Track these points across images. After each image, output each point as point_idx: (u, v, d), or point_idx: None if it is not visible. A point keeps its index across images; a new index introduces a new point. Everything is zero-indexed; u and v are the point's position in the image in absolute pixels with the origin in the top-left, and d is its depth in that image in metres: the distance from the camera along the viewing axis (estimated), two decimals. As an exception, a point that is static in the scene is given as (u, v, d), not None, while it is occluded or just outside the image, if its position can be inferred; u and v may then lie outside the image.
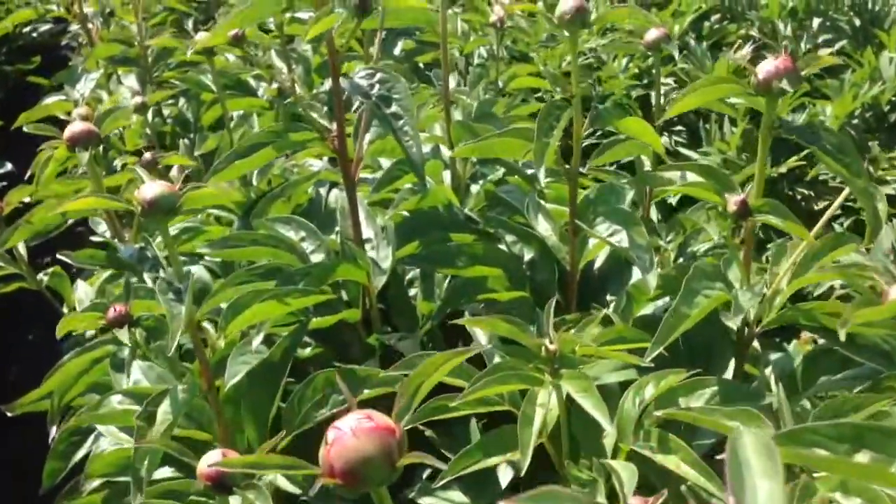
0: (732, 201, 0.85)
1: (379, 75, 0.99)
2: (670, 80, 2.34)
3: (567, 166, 1.02)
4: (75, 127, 1.14)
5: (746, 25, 2.53)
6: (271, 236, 1.14)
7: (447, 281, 1.06)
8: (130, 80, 2.00)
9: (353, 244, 1.11)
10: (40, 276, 1.50)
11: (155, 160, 1.22)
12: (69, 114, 1.83)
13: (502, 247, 1.08)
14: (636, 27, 2.56)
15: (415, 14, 1.15)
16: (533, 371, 0.76)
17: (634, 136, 0.99)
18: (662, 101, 2.32)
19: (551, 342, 0.75)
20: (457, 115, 1.31)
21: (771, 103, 0.84)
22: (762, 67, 0.82)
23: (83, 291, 1.58)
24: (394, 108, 0.98)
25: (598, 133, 2.03)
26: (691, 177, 0.91)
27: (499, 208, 1.19)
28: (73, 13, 1.88)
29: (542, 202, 1.10)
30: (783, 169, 1.89)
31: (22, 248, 1.47)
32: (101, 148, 1.68)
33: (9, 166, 2.23)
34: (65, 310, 1.52)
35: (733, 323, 0.83)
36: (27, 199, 1.29)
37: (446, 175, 1.31)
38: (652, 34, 1.24)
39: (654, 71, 2.04)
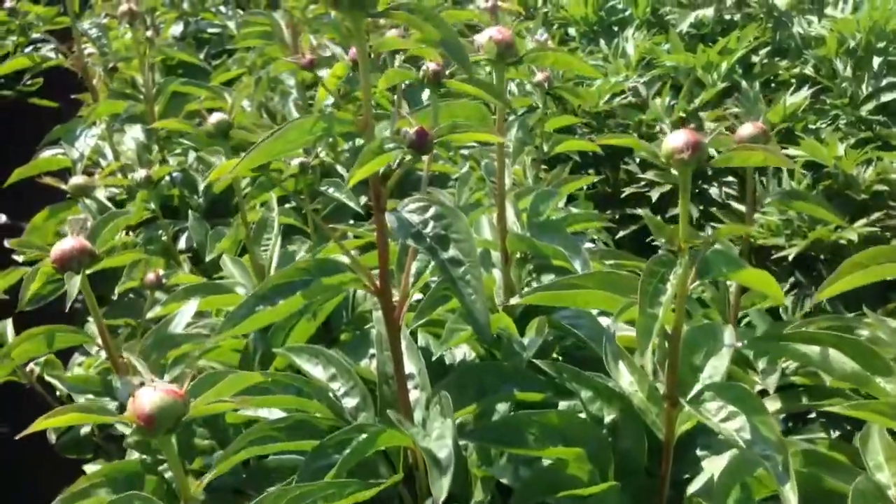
0: None
1: (433, 209, 0.79)
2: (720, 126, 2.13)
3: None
4: (65, 245, 0.94)
5: (800, 64, 2.31)
6: (296, 378, 0.94)
7: (514, 466, 0.85)
8: (135, 131, 1.80)
9: (398, 408, 0.90)
10: (31, 365, 1.31)
11: (159, 280, 1.02)
12: (71, 168, 1.64)
13: (581, 413, 0.87)
14: (679, 64, 2.35)
15: (468, 111, 0.94)
16: None
17: (752, 286, 0.79)
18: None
19: None
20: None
21: None
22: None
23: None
24: (452, 251, 0.77)
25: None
26: (836, 357, 0.71)
27: (566, 342, 0.99)
28: (74, 63, 1.67)
29: (624, 348, 0.90)
30: None
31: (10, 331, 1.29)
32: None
33: (2, 218, 2.03)
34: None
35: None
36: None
37: (497, 284, 1.10)
38: (747, 130, 1.02)
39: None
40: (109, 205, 1.48)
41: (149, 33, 1.66)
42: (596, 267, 1.06)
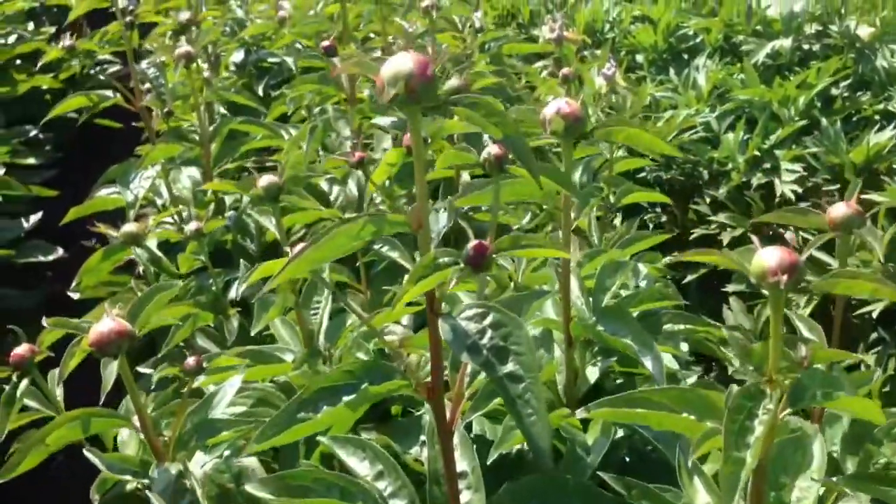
0: None
1: (492, 317, 0.71)
2: (797, 167, 2.01)
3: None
4: (103, 328, 0.89)
5: (884, 100, 2.17)
6: (340, 477, 0.87)
7: None
8: (191, 170, 1.75)
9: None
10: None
11: (200, 365, 0.96)
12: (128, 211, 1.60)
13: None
14: (754, 97, 2.23)
15: (531, 189, 0.86)
16: None
17: (852, 414, 0.70)
18: (786, 190, 2.00)
19: None
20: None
21: None
22: None
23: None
24: (511, 365, 0.69)
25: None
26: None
27: (635, 437, 0.90)
28: (135, 104, 1.63)
29: (700, 465, 0.81)
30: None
31: (59, 392, 1.25)
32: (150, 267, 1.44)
33: (59, 251, 2.01)
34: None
35: None
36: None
37: (559, 372, 1.02)
38: (840, 211, 0.92)
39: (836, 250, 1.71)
40: (159, 254, 1.43)
41: (206, 74, 1.62)
42: (665, 351, 0.97)
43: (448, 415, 0.79)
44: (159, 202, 1.78)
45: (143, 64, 1.61)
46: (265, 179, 1.09)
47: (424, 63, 0.66)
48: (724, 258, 0.66)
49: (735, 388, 0.69)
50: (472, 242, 0.67)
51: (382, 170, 0.76)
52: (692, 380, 1.11)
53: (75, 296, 1.74)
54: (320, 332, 1.17)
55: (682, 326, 1.35)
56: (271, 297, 1.12)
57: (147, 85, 1.70)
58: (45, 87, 2.45)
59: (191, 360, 0.95)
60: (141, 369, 1.52)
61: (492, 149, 0.80)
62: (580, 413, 0.74)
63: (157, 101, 1.56)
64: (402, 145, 0.95)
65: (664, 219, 2.20)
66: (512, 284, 1.19)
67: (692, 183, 2.21)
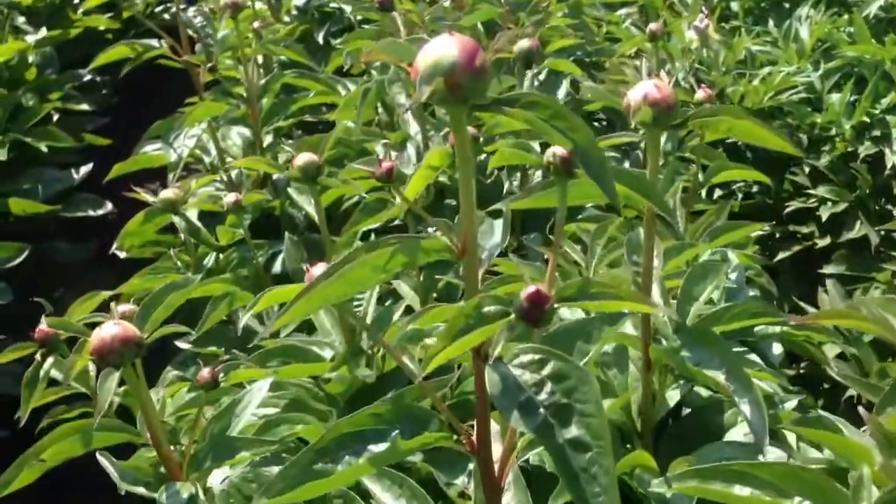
0: None
1: (552, 366, 0.56)
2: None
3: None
4: (105, 333, 0.77)
5: None
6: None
7: None
8: (241, 127, 1.63)
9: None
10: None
11: (215, 379, 0.83)
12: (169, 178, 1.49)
13: None
14: (864, 55, 2.00)
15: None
16: None
17: None
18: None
19: None
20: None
21: None
22: None
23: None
24: (576, 429, 0.55)
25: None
26: None
27: None
28: (181, 55, 1.51)
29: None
30: None
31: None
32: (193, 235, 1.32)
33: (108, 206, 1.92)
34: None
35: None
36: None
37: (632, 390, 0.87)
38: None
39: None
40: (198, 224, 1.32)
41: (256, 24, 1.48)
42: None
43: (497, 470, 0.65)
44: (207, 160, 1.66)
45: (191, 11, 1.49)
46: (302, 158, 0.95)
47: (472, 50, 0.51)
48: (862, 320, 0.50)
49: (866, 472, 0.54)
50: (527, 290, 0.52)
51: (421, 176, 0.62)
52: (791, 404, 0.96)
53: (121, 254, 1.65)
54: (363, 329, 1.05)
55: (777, 329, 1.19)
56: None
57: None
58: (102, 27, 2.35)
59: (205, 372, 0.83)
60: (179, 343, 1.42)
61: (558, 149, 0.64)
62: (656, 484, 0.60)
63: (202, 54, 1.43)
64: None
65: (755, 188, 2.00)
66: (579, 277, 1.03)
67: (790, 150, 2.00)
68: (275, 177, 1.60)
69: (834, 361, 1.38)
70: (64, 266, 1.94)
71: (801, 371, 1.60)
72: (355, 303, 1.07)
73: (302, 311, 0.52)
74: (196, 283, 1.29)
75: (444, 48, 0.50)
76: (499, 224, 0.67)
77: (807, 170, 1.94)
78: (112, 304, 0.83)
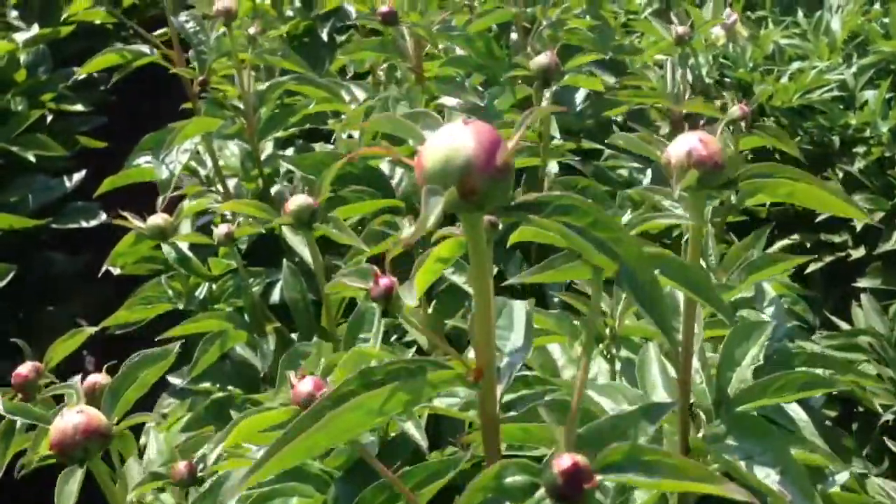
0: None
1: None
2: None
3: None
4: (67, 423, 0.67)
5: None
6: None
7: None
8: (233, 149, 1.52)
9: None
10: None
11: (193, 474, 0.73)
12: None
13: None
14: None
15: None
16: None
17: None
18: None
19: None
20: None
21: None
22: None
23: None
24: None
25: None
26: None
27: None
28: (174, 63, 1.39)
29: None
30: None
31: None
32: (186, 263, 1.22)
33: (103, 216, 1.81)
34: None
35: None
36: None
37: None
38: None
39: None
40: (189, 253, 1.21)
41: (252, 30, 1.36)
42: None
43: None
44: (203, 172, 1.55)
45: (183, 16, 1.37)
46: (295, 201, 0.84)
47: (492, 144, 0.39)
48: None
49: None
50: (561, 461, 0.41)
51: (428, 270, 0.51)
52: (843, 477, 0.85)
53: (115, 270, 1.55)
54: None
55: (821, 372, 1.09)
56: (305, 348, 0.88)
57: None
58: (98, 21, 2.23)
59: (181, 467, 0.72)
60: (171, 378, 1.32)
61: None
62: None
63: (194, 62, 1.31)
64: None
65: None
66: (608, 332, 0.93)
67: (821, 152, 1.88)
68: (273, 191, 1.50)
69: (877, 401, 1.28)
70: (57, 278, 1.84)
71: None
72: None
73: (276, 468, 0.41)
74: (188, 321, 1.19)
75: (456, 142, 0.39)
76: (520, 317, 0.56)
77: (840, 175, 1.82)
78: (76, 381, 0.73)
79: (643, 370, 0.84)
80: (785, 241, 1.85)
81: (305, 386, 0.58)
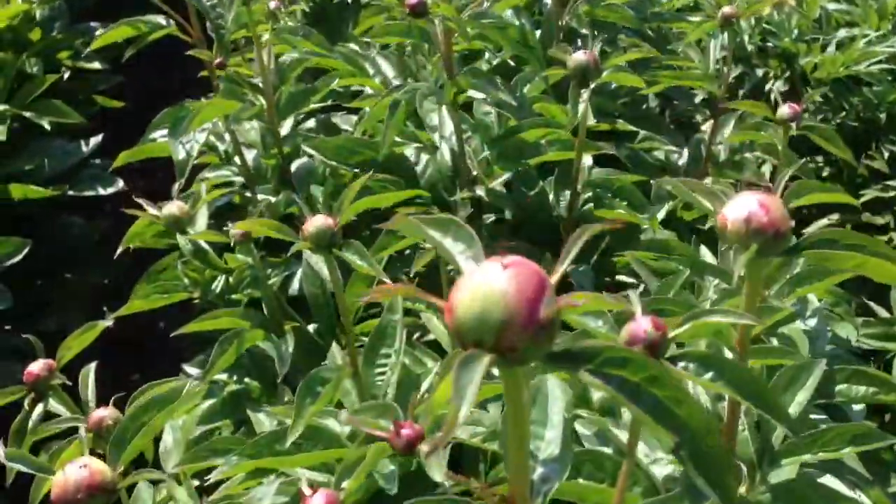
0: None
1: None
2: None
3: None
4: (67, 479, 0.62)
5: None
6: None
7: None
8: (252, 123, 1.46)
9: None
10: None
11: None
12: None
13: None
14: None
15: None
16: None
17: None
18: None
19: None
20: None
21: None
22: None
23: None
24: None
25: None
26: None
27: None
28: (192, 36, 1.32)
29: None
30: None
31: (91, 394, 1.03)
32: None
33: (120, 184, 1.76)
34: None
35: None
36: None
37: None
38: None
39: None
40: (206, 246, 1.16)
41: (272, 4, 1.29)
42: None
43: None
44: (221, 147, 1.49)
45: (199, -15, 1.29)
46: (314, 223, 0.78)
47: (535, 293, 0.33)
48: None
49: None
50: None
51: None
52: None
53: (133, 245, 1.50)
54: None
55: (863, 390, 1.04)
56: (325, 374, 0.83)
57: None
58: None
59: None
60: (188, 368, 1.29)
61: (643, 323, 0.47)
62: None
63: (215, 42, 1.24)
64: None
65: (826, 172, 1.80)
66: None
67: (867, 129, 1.79)
68: (294, 167, 1.44)
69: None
70: (76, 245, 1.80)
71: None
72: (378, 371, 0.92)
73: None
74: (204, 317, 1.15)
75: (493, 293, 0.33)
76: (557, 408, 0.50)
77: (886, 154, 1.73)
78: (82, 430, 0.69)
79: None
80: (823, 222, 1.77)
81: (318, 502, 0.53)
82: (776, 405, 0.47)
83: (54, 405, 1.08)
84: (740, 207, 0.57)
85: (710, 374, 0.47)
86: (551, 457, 0.47)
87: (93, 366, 1.10)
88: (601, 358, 0.35)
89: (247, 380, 1.23)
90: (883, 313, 1.48)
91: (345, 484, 0.54)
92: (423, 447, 0.48)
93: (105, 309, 1.64)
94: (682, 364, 0.47)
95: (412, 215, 0.40)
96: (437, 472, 0.48)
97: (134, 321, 1.36)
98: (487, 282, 0.34)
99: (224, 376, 1.22)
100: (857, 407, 1.09)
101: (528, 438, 0.38)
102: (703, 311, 0.49)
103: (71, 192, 1.69)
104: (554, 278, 0.36)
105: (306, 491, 0.54)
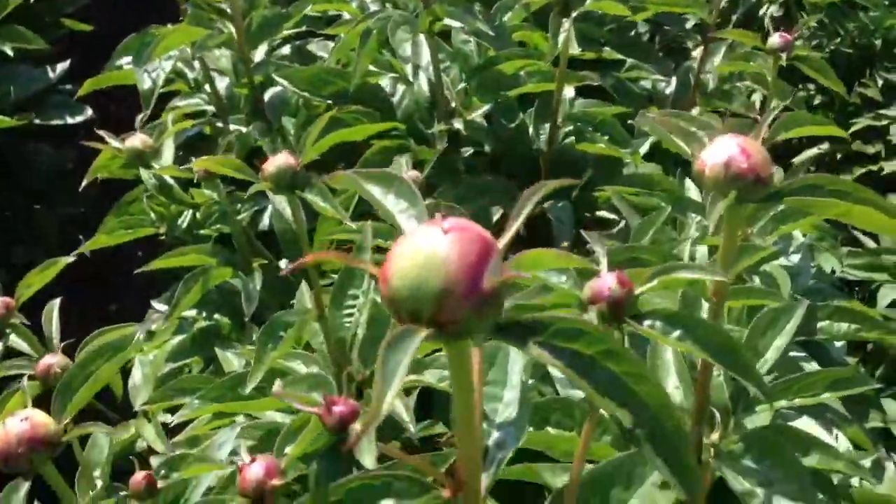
0: None
1: None
2: None
3: None
4: (8, 432, 0.59)
5: None
6: None
7: None
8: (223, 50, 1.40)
9: None
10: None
11: (151, 484, 0.66)
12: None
13: None
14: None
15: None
16: None
17: None
18: None
19: None
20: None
21: None
22: None
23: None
24: None
25: None
26: None
27: None
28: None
29: None
30: None
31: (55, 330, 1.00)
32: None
33: (89, 112, 1.70)
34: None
35: None
36: None
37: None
38: None
39: None
40: (172, 182, 1.12)
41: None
42: None
43: None
44: (191, 75, 1.43)
45: None
46: (275, 162, 0.74)
47: (480, 258, 0.30)
48: None
49: None
50: None
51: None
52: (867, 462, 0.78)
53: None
54: (354, 346, 0.86)
55: (845, 326, 1.02)
56: (287, 317, 0.80)
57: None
58: None
59: (139, 478, 0.65)
60: (155, 304, 1.25)
61: (605, 281, 0.43)
62: None
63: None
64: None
65: (817, 100, 1.75)
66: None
67: (862, 55, 1.73)
68: (267, 97, 1.38)
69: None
70: (44, 174, 1.74)
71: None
72: (345, 313, 0.89)
73: None
74: (171, 254, 1.11)
75: (431, 257, 0.30)
76: (516, 369, 0.47)
77: (880, 82, 1.68)
78: (24, 380, 0.65)
79: (655, 354, 0.76)
80: (813, 151, 1.73)
81: (255, 472, 0.50)
82: (746, 365, 0.44)
83: (18, 342, 1.05)
84: (719, 151, 0.53)
85: (677, 333, 0.44)
86: (508, 420, 0.44)
87: (56, 302, 1.07)
88: (552, 329, 0.31)
89: (217, 316, 1.20)
90: (870, 244, 1.46)
91: (288, 450, 0.51)
92: (356, 426, 0.45)
93: (81, 238, 1.60)
94: (648, 322, 0.44)
95: (353, 171, 0.36)
96: (368, 457, 0.45)
97: (101, 255, 1.32)
98: (426, 246, 0.30)
99: (193, 312, 1.19)
100: (839, 343, 1.07)
101: (477, 417, 0.35)
102: (672, 266, 0.46)
103: (38, 121, 1.63)
104: (503, 241, 0.32)
105: (245, 458, 0.51)
